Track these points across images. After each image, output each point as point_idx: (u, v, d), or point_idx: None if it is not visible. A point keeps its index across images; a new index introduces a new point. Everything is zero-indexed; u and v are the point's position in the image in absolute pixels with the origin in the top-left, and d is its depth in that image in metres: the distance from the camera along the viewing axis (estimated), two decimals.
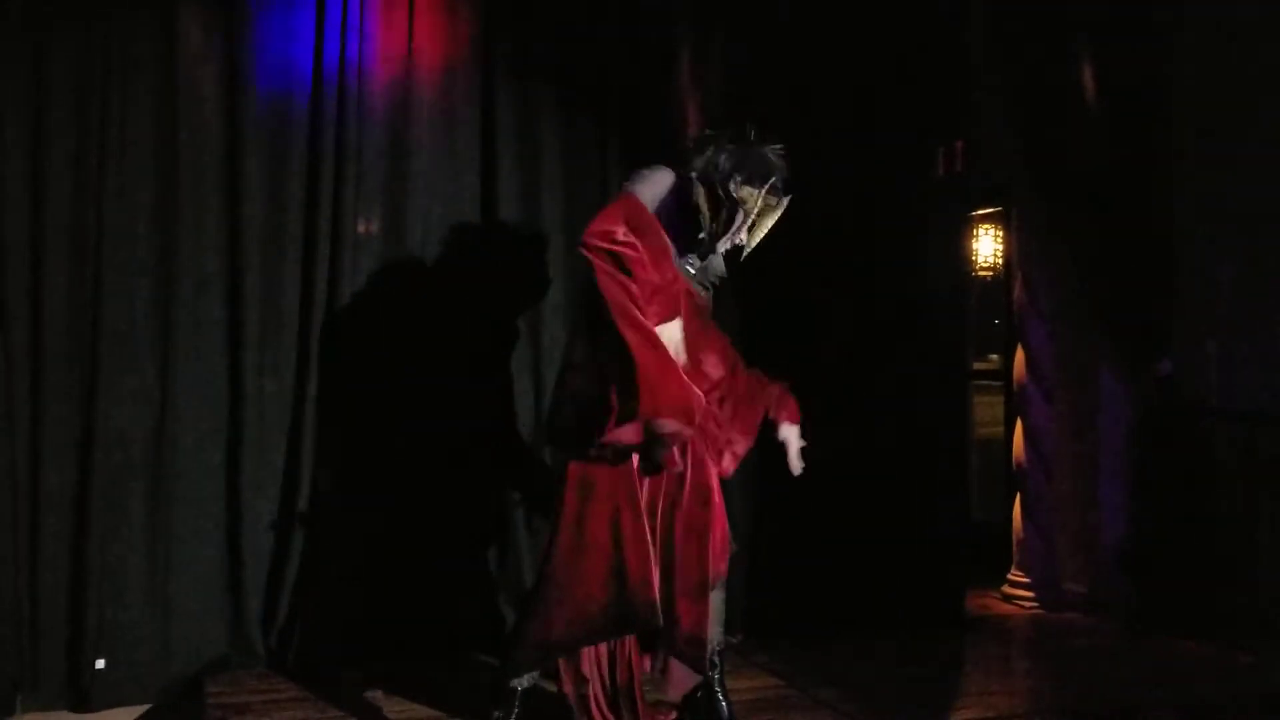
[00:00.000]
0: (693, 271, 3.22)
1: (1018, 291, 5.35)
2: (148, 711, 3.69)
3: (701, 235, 3.15)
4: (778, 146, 3.16)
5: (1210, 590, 4.50)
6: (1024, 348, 5.28)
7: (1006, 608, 5.15)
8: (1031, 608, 5.09)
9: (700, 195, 3.10)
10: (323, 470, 4.06)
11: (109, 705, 3.66)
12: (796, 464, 3.31)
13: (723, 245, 3.18)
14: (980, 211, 6.31)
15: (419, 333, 4.15)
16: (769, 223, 3.18)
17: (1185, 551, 4.63)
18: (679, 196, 3.15)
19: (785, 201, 3.17)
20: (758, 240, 3.20)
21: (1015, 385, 5.38)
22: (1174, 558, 4.65)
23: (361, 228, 4.13)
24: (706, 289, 3.29)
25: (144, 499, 3.81)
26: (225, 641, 3.96)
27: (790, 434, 3.31)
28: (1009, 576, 5.26)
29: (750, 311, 4.36)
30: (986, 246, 6.56)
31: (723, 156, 3.09)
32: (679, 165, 3.18)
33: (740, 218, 3.10)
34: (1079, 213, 4.93)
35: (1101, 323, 5.01)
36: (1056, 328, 5.21)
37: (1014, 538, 5.27)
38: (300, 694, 3.71)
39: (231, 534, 3.97)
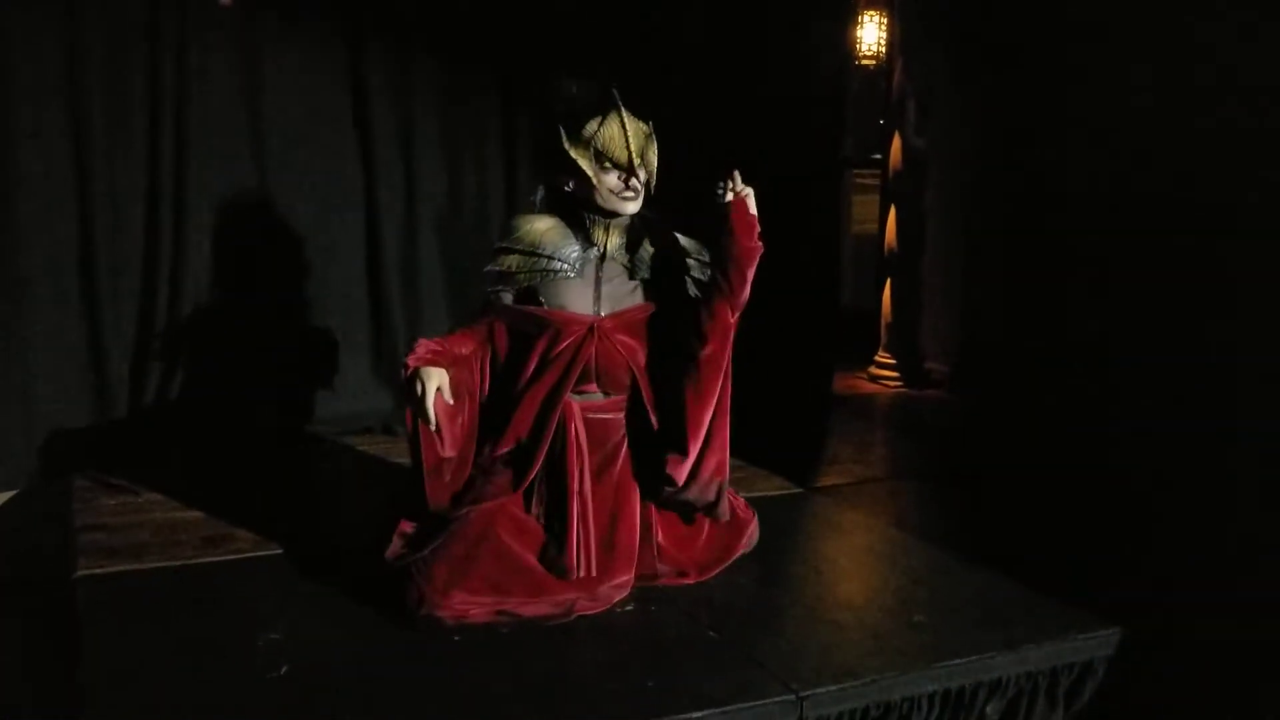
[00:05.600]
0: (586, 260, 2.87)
1: (897, 76, 5.34)
2: (16, 495, 3.67)
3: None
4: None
5: (1061, 373, 4.72)
6: (900, 134, 5.31)
7: (872, 387, 5.38)
8: (895, 387, 5.33)
9: (562, 182, 2.84)
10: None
11: None
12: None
13: (609, 198, 2.80)
14: None
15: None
16: (642, 144, 2.81)
17: (1042, 335, 4.84)
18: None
19: (640, 122, 2.81)
20: (653, 168, 2.85)
21: (890, 172, 5.44)
22: (1031, 340, 4.86)
23: None
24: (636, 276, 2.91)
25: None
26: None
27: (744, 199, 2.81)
28: (876, 358, 5.47)
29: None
30: (870, 34, 6.50)
31: (560, 125, 2.80)
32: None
33: (592, 157, 2.76)
34: None
35: (978, 108, 5.06)
36: (933, 112, 5.24)
37: (882, 321, 5.45)
38: (171, 471, 3.72)
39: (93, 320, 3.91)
